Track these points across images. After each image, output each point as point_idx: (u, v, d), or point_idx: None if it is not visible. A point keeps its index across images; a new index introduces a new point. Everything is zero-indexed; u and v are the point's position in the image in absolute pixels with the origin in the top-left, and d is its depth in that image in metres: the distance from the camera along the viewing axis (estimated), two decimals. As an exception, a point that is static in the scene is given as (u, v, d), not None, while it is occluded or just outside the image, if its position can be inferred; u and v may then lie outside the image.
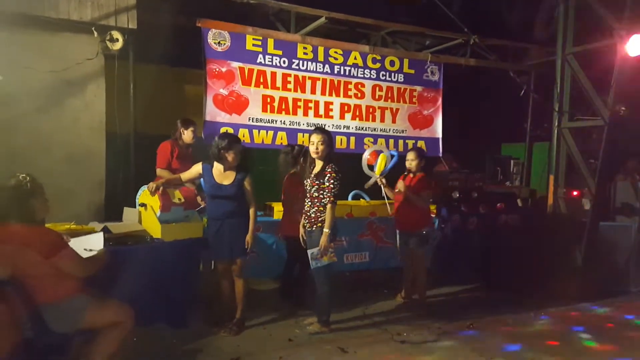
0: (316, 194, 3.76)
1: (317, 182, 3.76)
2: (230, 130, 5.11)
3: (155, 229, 3.64)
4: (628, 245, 5.56)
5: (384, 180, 4.60)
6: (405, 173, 4.60)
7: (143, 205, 3.81)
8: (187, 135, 4.56)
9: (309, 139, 3.83)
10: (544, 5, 6.54)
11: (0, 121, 4.05)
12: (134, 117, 4.79)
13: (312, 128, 5.51)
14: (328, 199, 3.70)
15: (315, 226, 3.76)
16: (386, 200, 4.64)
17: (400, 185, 4.48)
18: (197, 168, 3.78)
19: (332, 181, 3.71)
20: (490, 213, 5.61)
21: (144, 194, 3.82)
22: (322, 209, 3.74)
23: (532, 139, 7.42)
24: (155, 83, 5.21)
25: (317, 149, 3.76)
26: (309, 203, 3.82)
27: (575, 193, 5.67)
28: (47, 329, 2.56)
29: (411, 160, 4.57)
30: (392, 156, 4.71)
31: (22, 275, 2.46)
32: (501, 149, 8.17)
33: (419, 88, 6.22)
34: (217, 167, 3.70)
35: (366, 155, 4.76)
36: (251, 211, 3.75)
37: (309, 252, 3.77)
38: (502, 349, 3.74)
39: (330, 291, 3.86)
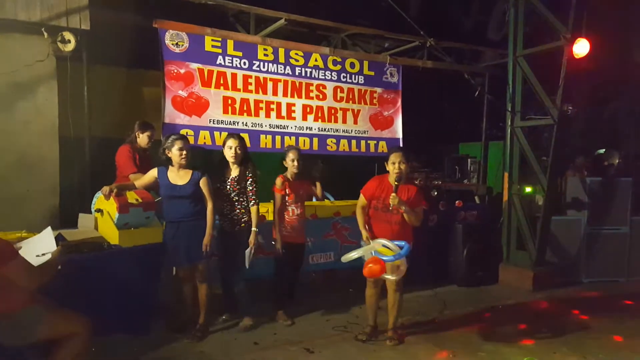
0: (237, 198, 3.89)
1: (237, 186, 3.89)
2: (191, 133, 5.03)
3: (112, 235, 3.54)
4: (578, 238, 5.88)
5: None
6: (397, 183, 3.53)
7: (99, 210, 3.70)
8: (142, 139, 4.44)
9: (225, 144, 3.91)
10: (497, 9, 6.82)
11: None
12: (88, 120, 4.63)
13: (274, 130, 5.63)
14: (254, 201, 3.89)
15: (238, 226, 3.90)
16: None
17: (396, 200, 3.49)
18: (152, 173, 3.71)
19: (254, 185, 3.91)
20: (449, 210, 5.78)
21: (99, 200, 3.71)
22: (244, 211, 3.91)
23: (488, 138, 7.70)
24: (110, 85, 5.07)
25: (235, 153, 3.86)
26: (229, 206, 3.91)
27: (528, 189, 5.93)
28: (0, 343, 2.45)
29: (399, 164, 3.57)
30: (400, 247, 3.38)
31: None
32: (459, 148, 8.42)
33: (379, 89, 6.34)
34: (172, 170, 3.67)
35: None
36: (208, 212, 3.66)
37: (246, 251, 3.85)
38: (465, 341, 3.87)
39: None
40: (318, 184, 4.67)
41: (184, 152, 3.62)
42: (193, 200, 3.65)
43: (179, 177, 3.66)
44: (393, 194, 3.51)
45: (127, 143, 4.41)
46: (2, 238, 2.59)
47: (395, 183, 3.55)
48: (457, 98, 7.36)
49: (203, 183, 3.67)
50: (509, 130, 5.92)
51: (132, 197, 3.66)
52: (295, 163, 4.21)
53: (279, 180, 4.17)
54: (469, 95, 6.84)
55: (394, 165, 3.60)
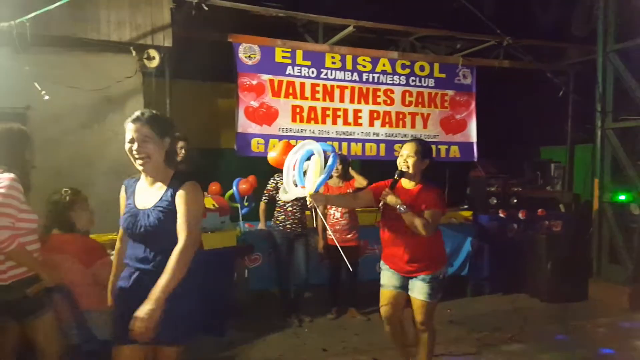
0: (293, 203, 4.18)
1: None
2: (262, 141, 5.21)
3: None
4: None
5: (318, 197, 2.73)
6: (396, 177, 2.82)
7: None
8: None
9: None
10: (582, 2, 6.30)
11: (47, 138, 4.27)
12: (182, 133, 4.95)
13: (340, 137, 5.66)
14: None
15: (296, 231, 4.30)
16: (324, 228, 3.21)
17: (388, 196, 2.76)
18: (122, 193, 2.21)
19: None
20: (531, 219, 5.41)
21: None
22: (299, 216, 4.34)
23: (574, 141, 7.11)
24: (190, 98, 5.39)
25: None
26: (285, 214, 4.28)
27: (622, 197, 5.37)
28: (92, 336, 2.64)
29: (407, 157, 2.83)
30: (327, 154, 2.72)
31: (68, 282, 2.58)
32: (540, 153, 7.87)
33: (450, 92, 6.11)
34: (143, 181, 2.14)
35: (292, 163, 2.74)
36: (176, 251, 1.95)
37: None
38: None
39: None
40: (355, 175, 4.58)
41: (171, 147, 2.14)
42: (159, 233, 2.03)
43: (149, 193, 2.11)
44: (387, 189, 2.78)
45: None
46: (94, 239, 2.85)
47: (395, 177, 2.81)
48: (537, 99, 6.88)
49: (181, 196, 2.03)
50: (599, 133, 5.43)
51: (209, 202, 3.86)
52: (335, 168, 4.23)
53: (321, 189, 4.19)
54: (549, 96, 6.38)
55: (401, 157, 2.85)
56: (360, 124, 5.71)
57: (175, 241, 1.98)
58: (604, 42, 5.36)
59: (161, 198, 2.05)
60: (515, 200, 5.58)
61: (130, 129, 2.02)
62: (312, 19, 5.49)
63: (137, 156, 2.01)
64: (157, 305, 1.87)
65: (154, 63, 4.69)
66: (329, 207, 4.28)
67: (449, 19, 5.97)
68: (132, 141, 2.01)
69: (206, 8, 4.71)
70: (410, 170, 2.82)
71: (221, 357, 3.55)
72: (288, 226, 4.27)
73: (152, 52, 4.68)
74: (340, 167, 4.35)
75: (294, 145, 2.83)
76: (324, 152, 2.66)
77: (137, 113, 2.06)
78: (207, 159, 5.18)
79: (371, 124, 5.74)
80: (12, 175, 2.29)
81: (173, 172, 2.11)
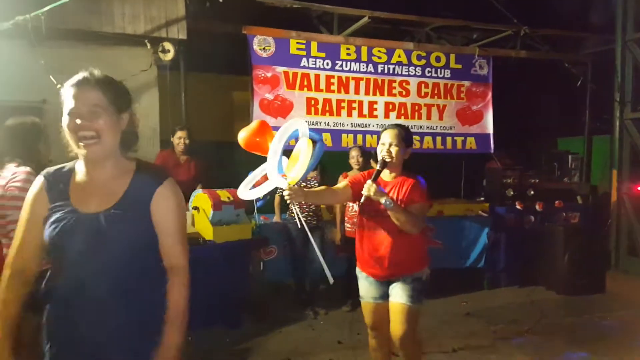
0: None
1: (317, 184, 4.25)
2: (277, 134, 5.19)
3: (207, 231, 3.75)
4: None
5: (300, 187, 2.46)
6: (379, 168, 2.50)
7: (196, 208, 3.94)
8: (175, 142, 4.29)
9: None
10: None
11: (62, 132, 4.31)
12: (185, 124, 4.96)
13: (356, 129, 5.62)
14: None
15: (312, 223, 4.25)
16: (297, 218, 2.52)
17: (372, 189, 2.38)
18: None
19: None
20: (548, 211, 5.34)
21: (196, 198, 3.95)
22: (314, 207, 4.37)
23: (591, 132, 6.99)
24: (205, 91, 5.38)
25: None
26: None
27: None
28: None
29: (389, 145, 2.53)
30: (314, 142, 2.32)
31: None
32: (557, 144, 7.75)
33: (467, 83, 6.03)
34: (82, 173, 1.48)
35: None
36: (178, 284, 1.48)
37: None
38: (563, 356, 3.55)
39: None
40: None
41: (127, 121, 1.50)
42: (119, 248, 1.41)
43: (94, 187, 1.46)
44: (369, 181, 2.40)
45: (170, 149, 4.36)
46: None
47: (378, 168, 2.49)
48: (554, 89, 6.77)
49: (164, 198, 1.47)
50: (618, 123, 5.34)
51: (224, 195, 3.86)
52: (356, 160, 4.36)
53: (340, 178, 4.17)
54: (566, 86, 6.27)
55: (383, 146, 2.53)
56: (376, 116, 5.67)
57: (137, 260, 1.39)
58: (622, 30, 5.26)
59: (123, 197, 1.40)
60: (532, 192, 5.51)
61: (71, 96, 1.37)
62: (327, 10, 5.44)
63: (81, 134, 1.35)
64: None
65: (169, 56, 4.69)
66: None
67: (464, 8, 5.87)
68: (74, 113, 1.36)
69: (220, 0, 4.68)
70: (395, 160, 2.51)
71: (237, 350, 3.58)
72: (303, 219, 4.25)
73: (167, 45, 4.67)
74: (361, 159, 4.34)
75: (270, 126, 2.51)
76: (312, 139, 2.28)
77: (83, 73, 1.40)
78: (221, 152, 5.19)
79: (386, 116, 5.70)
80: (27, 168, 2.30)
81: (135, 162, 1.49)
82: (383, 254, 2.50)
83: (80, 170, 1.46)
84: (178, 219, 1.47)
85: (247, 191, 2.47)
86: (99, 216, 1.37)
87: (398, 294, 2.49)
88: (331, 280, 2.24)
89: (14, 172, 2.29)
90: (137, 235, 1.40)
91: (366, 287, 2.65)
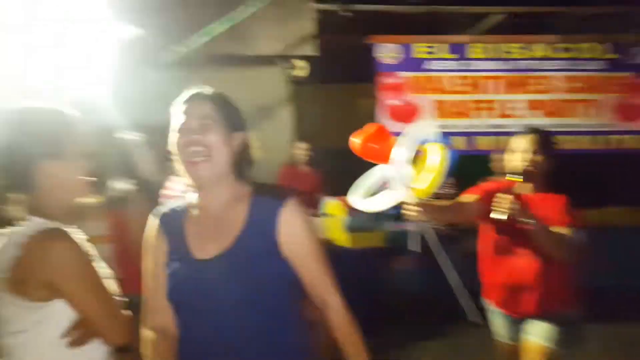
0: None
1: None
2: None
3: (341, 238, 3.80)
4: None
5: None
6: (517, 178, 2.15)
7: (328, 215, 4.02)
8: (296, 154, 4.44)
9: None
10: None
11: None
12: (317, 134, 5.15)
13: (492, 130, 5.24)
14: None
15: None
16: None
17: (520, 211, 1.91)
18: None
19: None
20: None
21: (328, 206, 4.04)
22: None
23: None
24: (334, 101, 5.56)
25: None
26: None
27: None
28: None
29: (528, 153, 2.11)
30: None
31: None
32: None
33: (627, 74, 5.30)
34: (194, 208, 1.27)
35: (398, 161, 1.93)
36: (343, 325, 1.31)
37: None
38: None
39: None
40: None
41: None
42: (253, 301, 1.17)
43: (214, 230, 1.22)
44: (505, 197, 1.91)
45: (291, 162, 4.47)
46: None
47: (519, 180, 2.10)
48: None
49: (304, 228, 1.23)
50: None
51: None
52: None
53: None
54: None
55: (518, 155, 2.12)
56: (517, 116, 5.24)
57: (272, 302, 1.16)
58: None
59: (244, 231, 1.17)
60: None
61: (182, 112, 1.20)
62: (454, 11, 5.25)
63: (191, 150, 1.15)
64: None
65: (302, 72, 4.95)
66: None
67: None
68: (184, 129, 1.18)
69: (351, 14, 4.81)
70: (537, 171, 2.09)
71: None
72: (441, 227, 4.07)
73: (300, 62, 4.95)
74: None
75: (388, 131, 2.10)
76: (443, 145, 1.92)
77: (195, 89, 1.24)
78: (347, 160, 5.27)
79: (530, 116, 5.24)
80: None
81: (250, 185, 1.27)
82: (524, 286, 2.06)
83: (193, 204, 1.25)
84: (319, 249, 1.23)
85: (363, 201, 2.10)
86: (217, 261, 1.15)
87: (539, 333, 2.04)
88: (475, 320, 1.96)
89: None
90: (264, 275, 1.15)
91: (501, 324, 2.22)
